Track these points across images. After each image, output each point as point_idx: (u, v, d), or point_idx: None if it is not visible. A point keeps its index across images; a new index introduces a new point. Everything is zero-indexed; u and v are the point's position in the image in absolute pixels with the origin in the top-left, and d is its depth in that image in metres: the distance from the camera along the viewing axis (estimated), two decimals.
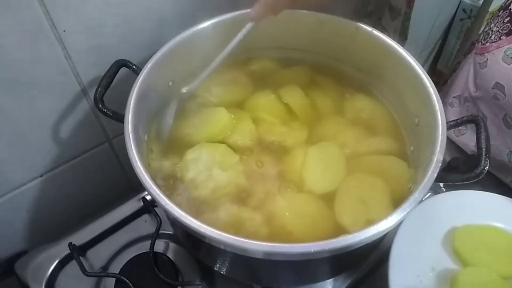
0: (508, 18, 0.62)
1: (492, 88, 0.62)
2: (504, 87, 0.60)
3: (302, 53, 0.65)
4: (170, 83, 0.58)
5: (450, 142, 0.77)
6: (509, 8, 0.63)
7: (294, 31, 0.62)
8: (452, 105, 0.78)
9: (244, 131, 0.56)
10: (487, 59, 0.63)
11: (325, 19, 0.59)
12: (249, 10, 0.50)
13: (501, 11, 0.66)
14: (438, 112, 0.47)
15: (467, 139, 0.75)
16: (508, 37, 0.61)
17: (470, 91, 0.71)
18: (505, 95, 0.60)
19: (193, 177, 0.51)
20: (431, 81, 0.50)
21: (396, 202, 0.48)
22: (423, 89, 0.50)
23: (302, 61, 0.65)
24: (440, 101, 0.48)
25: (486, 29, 0.67)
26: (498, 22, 0.64)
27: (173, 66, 0.56)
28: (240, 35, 0.51)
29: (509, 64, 0.59)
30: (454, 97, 0.78)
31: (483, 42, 0.65)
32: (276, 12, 0.50)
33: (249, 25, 0.51)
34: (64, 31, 0.51)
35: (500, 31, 0.62)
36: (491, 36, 0.64)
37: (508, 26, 0.61)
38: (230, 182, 0.51)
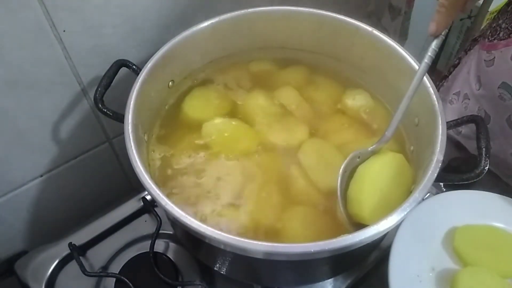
0: None
1: (498, 87, 0.60)
2: (511, 87, 0.58)
3: (302, 53, 0.65)
4: (170, 83, 0.58)
5: (449, 142, 0.76)
6: None
7: (294, 31, 0.62)
8: (451, 102, 0.76)
9: (246, 138, 0.56)
10: (494, 57, 0.60)
11: (325, 19, 0.59)
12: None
13: (510, 6, 0.62)
14: (438, 112, 0.47)
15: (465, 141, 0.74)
16: None
17: (472, 88, 0.69)
18: (511, 96, 0.59)
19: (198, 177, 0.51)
20: (431, 81, 0.50)
21: None
22: (423, 89, 0.50)
23: (302, 61, 0.65)
24: (440, 101, 0.48)
25: (494, 24, 0.64)
26: (507, 18, 0.60)
27: (173, 66, 0.56)
28: (426, 61, 0.46)
29: None
30: (454, 94, 0.77)
31: (490, 39, 0.62)
32: (455, 13, 0.44)
33: (434, 43, 0.46)
34: (64, 31, 0.51)
35: (510, 28, 0.58)
36: (499, 33, 0.60)
37: None
38: (232, 185, 0.51)
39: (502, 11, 0.64)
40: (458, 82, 0.75)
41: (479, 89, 0.67)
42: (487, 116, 0.66)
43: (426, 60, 0.47)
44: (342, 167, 0.47)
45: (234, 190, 0.51)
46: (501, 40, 0.60)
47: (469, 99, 0.70)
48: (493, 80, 0.61)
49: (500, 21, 0.62)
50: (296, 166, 0.53)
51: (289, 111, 0.59)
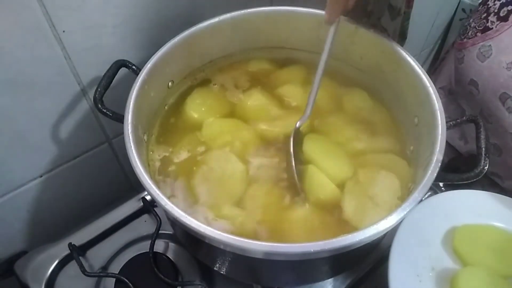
0: (485, 15, 0.61)
1: (468, 84, 0.62)
2: (478, 84, 0.60)
3: (302, 53, 0.65)
4: (169, 83, 0.58)
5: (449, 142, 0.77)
6: (487, 3, 0.62)
7: (293, 31, 0.62)
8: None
9: (246, 138, 0.56)
10: (464, 55, 0.62)
11: (324, 19, 0.59)
12: (322, 12, 0.50)
13: (481, 6, 0.64)
14: (438, 112, 0.47)
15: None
16: (483, 34, 0.60)
17: (452, 84, 0.71)
18: (479, 92, 0.60)
19: (197, 177, 0.52)
20: (430, 80, 0.50)
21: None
22: (423, 88, 0.50)
23: (301, 60, 0.65)
24: (440, 100, 0.48)
25: (466, 23, 0.66)
26: (476, 17, 0.63)
27: (173, 66, 0.56)
28: (328, 44, 0.50)
29: (482, 62, 0.58)
30: (440, 88, 0.78)
31: (461, 38, 0.65)
32: (350, 6, 0.48)
33: (332, 29, 0.50)
34: (63, 31, 0.51)
35: (477, 28, 0.61)
36: (468, 32, 0.63)
37: (484, 23, 0.60)
38: (232, 184, 0.51)
39: (474, 10, 0.66)
40: (443, 76, 0.77)
41: (455, 86, 0.68)
42: (463, 111, 0.67)
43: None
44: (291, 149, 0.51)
45: (234, 190, 0.51)
46: (469, 38, 0.62)
47: (452, 94, 0.72)
48: (463, 77, 0.63)
49: (471, 20, 0.64)
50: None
51: (289, 110, 0.59)
